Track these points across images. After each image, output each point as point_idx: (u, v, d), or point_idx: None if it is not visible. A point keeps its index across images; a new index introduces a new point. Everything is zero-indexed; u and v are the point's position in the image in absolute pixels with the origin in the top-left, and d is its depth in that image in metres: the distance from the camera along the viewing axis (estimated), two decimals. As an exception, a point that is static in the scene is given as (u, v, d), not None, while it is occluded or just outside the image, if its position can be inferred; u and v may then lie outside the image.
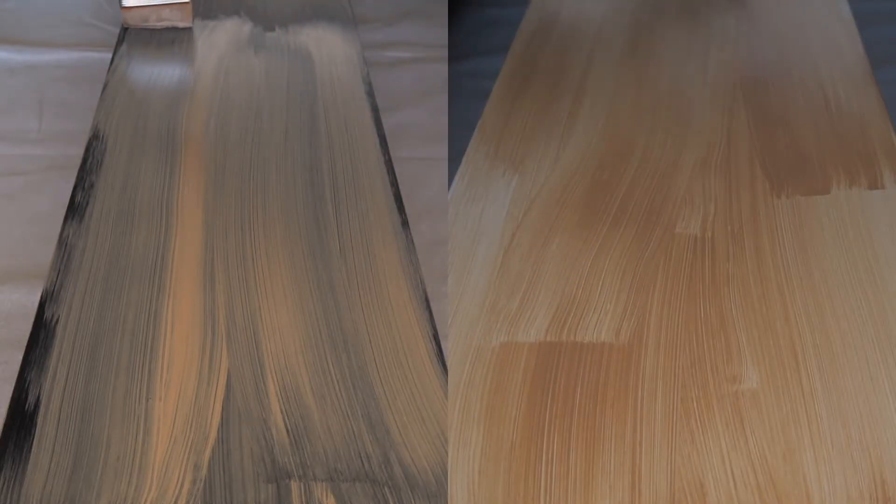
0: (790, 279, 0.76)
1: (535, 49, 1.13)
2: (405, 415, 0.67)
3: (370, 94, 1.02)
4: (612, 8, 1.21)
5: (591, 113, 1.00)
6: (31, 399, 0.67)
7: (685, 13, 1.19)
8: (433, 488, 0.62)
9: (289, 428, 0.66)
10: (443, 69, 1.11)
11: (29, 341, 0.71)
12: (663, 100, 1.01)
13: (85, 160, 0.89)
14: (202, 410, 0.66)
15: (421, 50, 1.17)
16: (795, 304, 0.73)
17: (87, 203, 0.85)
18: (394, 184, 0.89)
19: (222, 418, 0.66)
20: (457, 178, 0.90)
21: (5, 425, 0.65)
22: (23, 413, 0.66)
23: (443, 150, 0.97)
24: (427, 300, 0.76)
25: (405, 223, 0.84)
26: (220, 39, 1.11)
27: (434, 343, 0.73)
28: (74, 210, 0.84)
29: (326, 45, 1.11)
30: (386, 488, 0.62)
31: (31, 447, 0.64)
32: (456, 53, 1.16)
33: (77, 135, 0.98)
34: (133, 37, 1.10)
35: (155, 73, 1.04)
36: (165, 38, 1.11)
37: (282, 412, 0.67)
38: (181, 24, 1.08)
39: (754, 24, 1.16)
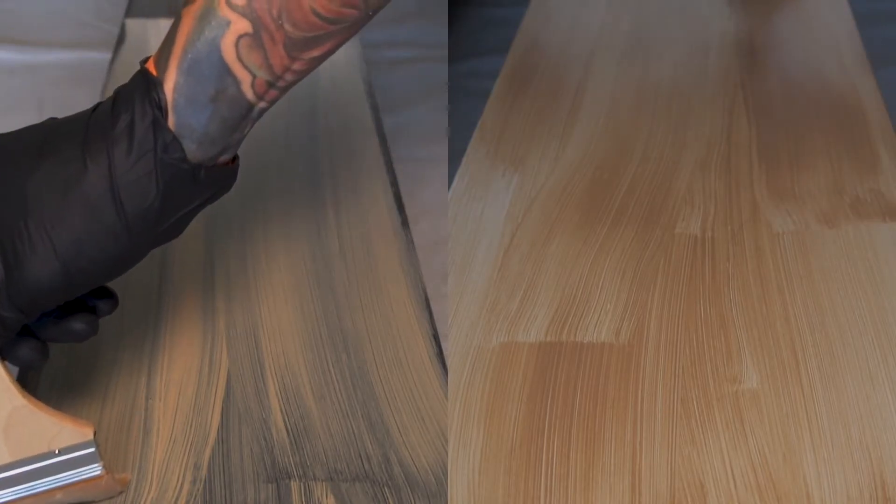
0: (790, 279, 0.76)
1: (536, 49, 1.13)
2: (405, 415, 0.67)
3: (370, 94, 1.02)
4: (613, 8, 1.21)
5: (591, 113, 1.00)
6: (31, 399, 0.67)
7: (685, 13, 1.19)
8: (433, 488, 0.62)
9: (289, 428, 0.66)
10: (443, 69, 1.11)
11: (29, 341, 0.71)
12: (663, 100, 1.01)
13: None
14: (202, 410, 0.66)
15: (421, 50, 1.17)
16: (795, 304, 0.73)
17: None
18: (394, 184, 0.89)
19: (222, 418, 0.66)
20: (457, 177, 0.90)
21: (5, 425, 0.65)
22: (23, 413, 0.66)
23: (443, 150, 0.97)
24: (427, 300, 0.76)
25: (405, 223, 0.84)
26: (220, 39, 1.11)
27: (434, 343, 0.73)
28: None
29: (326, 45, 1.11)
30: (386, 488, 0.62)
31: (31, 447, 0.64)
32: (456, 53, 1.16)
33: (77, 135, 0.98)
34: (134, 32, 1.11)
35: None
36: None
37: (282, 412, 0.67)
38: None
39: (754, 23, 1.16)
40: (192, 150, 0.53)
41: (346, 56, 1.08)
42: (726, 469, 0.62)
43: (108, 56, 1.08)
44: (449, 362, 0.70)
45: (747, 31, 1.14)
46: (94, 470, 0.58)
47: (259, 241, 0.81)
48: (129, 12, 1.16)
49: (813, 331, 0.71)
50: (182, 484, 0.62)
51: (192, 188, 0.54)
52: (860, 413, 0.65)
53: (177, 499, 0.61)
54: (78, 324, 0.55)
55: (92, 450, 0.58)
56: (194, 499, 0.61)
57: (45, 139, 0.53)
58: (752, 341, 0.71)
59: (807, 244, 0.79)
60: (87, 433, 0.58)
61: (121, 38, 1.10)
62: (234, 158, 0.58)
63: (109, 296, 0.57)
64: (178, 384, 0.68)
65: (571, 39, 1.14)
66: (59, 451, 0.57)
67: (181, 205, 0.54)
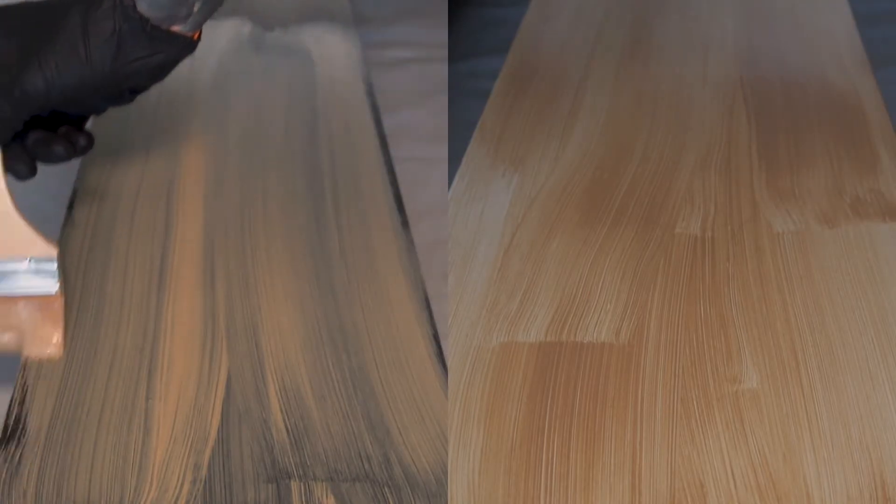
0: (790, 279, 0.76)
1: (536, 49, 1.13)
2: (405, 415, 0.67)
3: (370, 94, 1.02)
4: (613, 8, 1.21)
5: (591, 113, 1.00)
6: (29, 399, 0.67)
7: (685, 13, 1.19)
8: (433, 488, 0.62)
9: (289, 428, 0.66)
10: (443, 69, 1.11)
11: (29, 341, 0.71)
12: (663, 100, 1.01)
13: (83, 160, 0.89)
14: (202, 410, 0.66)
15: (421, 50, 1.17)
16: (795, 304, 0.74)
17: (88, 204, 0.85)
18: (394, 184, 0.89)
19: (222, 418, 0.66)
20: (457, 178, 0.90)
21: (5, 425, 0.65)
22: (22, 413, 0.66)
23: (443, 150, 0.97)
24: (427, 300, 0.76)
25: (405, 223, 0.84)
26: (220, 39, 1.11)
27: (434, 343, 0.72)
28: (74, 210, 0.84)
29: (326, 45, 1.11)
30: (386, 488, 0.62)
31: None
32: (456, 53, 1.16)
33: (77, 134, 0.98)
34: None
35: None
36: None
37: (282, 412, 0.67)
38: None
39: (754, 23, 1.16)
40: (144, 8, 0.67)
41: (346, 56, 1.09)
42: (726, 469, 0.62)
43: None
44: (449, 362, 0.70)
45: (747, 31, 1.14)
46: (51, 287, 0.68)
47: (259, 241, 0.81)
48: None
49: (813, 331, 0.71)
50: (182, 484, 0.62)
51: (142, 39, 0.68)
52: (860, 413, 0.65)
53: (177, 499, 0.61)
54: (59, 147, 0.71)
55: (54, 266, 0.68)
56: (194, 499, 0.61)
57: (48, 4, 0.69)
58: (752, 341, 0.71)
59: (807, 244, 0.79)
60: (53, 251, 0.68)
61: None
62: (198, 33, 0.71)
63: (87, 134, 0.73)
64: (178, 384, 0.68)
65: (571, 39, 1.14)
66: (30, 260, 0.67)
67: (134, 50, 0.68)
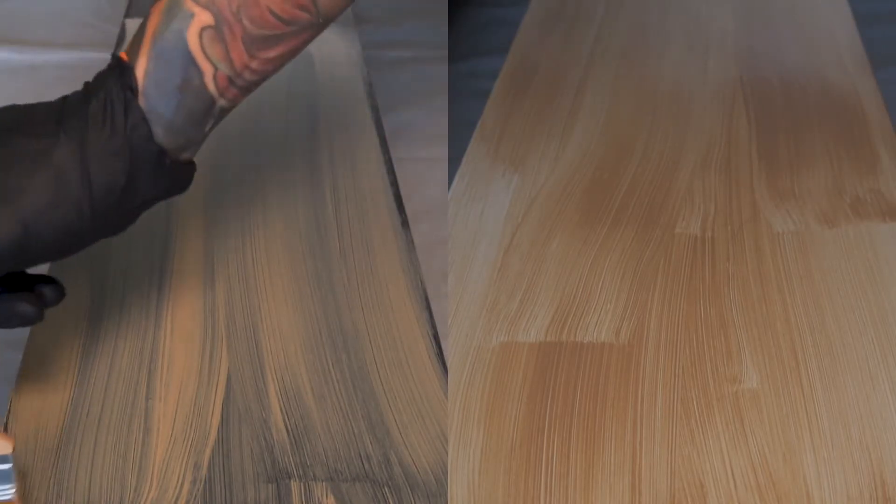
0: (790, 279, 0.76)
1: (536, 49, 1.13)
2: (405, 415, 0.67)
3: (370, 94, 1.02)
4: (613, 8, 1.21)
5: (592, 112, 1.00)
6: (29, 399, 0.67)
7: (685, 13, 1.19)
8: (433, 488, 0.62)
9: (289, 428, 0.66)
10: (443, 69, 1.11)
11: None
12: (663, 100, 1.01)
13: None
14: (202, 410, 0.66)
15: (421, 50, 1.17)
16: (795, 304, 0.74)
17: (87, 203, 0.85)
18: (394, 184, 0.89)
19: (222, 418, 0.66)
20: (457, 178, 0.90)
21: (5, 425, 0.65)
22: (23, 413, 0.66)
23: (443, 150, 0.97)
24: (427, 300, 0.76)
25: (405, 223, 0.84)
26: (220, 39, 1.11)
27: (434, 343, 0.72)
28: (74, 210, 0.84)
29: (326, 45, 1.11)
30: (386, 488, 0.62)
31: (31, 447, 0.64)
32: (456, 53, 1.16)
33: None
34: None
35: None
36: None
37: (282, 412, 0.67)
38: None
39: (754, 23, 1.16)
40: (160, 135, 0.56)
41: (346, 56, 1.09)
42: (726, 469, 0.62)
43: (108, 56, 1.08)
44: (449, 362, 0.70)
45: (747, 31, 1.14)
46: (6, 493, 0.54)
47: (259, 241, 0.81)
48: (129, 12, 1.16)
49: (813, 331, 0.71)
50: (182, 484, 0.62)
51: (156, 173, 0.56)
52: (860, 413, 0.65)
53: (177, 499, 0.61)
54: (24, 305, 0.55)
55: (9, 465, 0.54)
56: (194, 499, 0.61)
57: (20, 118, 0.55)
58: (752, 341, 0.71)
59: (807, 244, 0.79)
60: (9, 447, 0.54)
61: (121, 38, 1.10)
62: (191, 160, 0.61)
63: (55, 283, 0.57)
64: (178, 384, 0.68)
65: (571, 39, 1.14)
66: None
67: (143, 190, 0.56)
